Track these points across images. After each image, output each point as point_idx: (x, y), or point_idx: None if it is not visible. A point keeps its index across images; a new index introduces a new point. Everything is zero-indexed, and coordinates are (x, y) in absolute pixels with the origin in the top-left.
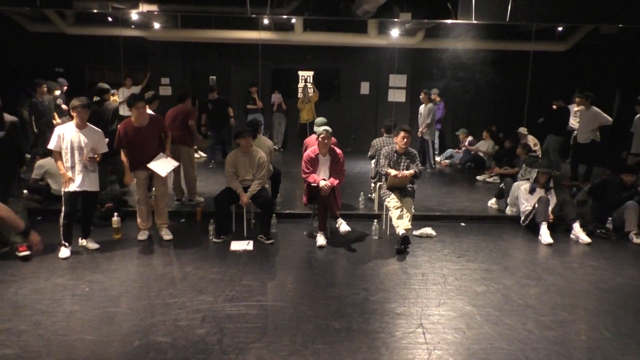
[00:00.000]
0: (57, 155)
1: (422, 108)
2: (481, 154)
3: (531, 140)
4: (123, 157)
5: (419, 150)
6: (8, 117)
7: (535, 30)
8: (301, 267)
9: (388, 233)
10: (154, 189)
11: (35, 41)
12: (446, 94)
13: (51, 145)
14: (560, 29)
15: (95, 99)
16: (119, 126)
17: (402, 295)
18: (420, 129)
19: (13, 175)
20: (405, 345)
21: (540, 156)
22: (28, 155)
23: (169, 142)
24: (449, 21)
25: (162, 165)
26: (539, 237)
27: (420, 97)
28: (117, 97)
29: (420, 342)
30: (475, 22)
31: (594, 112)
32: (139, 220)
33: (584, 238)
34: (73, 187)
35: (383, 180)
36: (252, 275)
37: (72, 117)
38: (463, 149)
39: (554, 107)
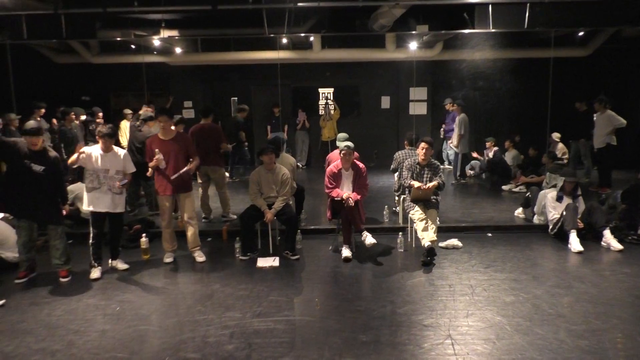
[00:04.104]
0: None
1: (455, 119)
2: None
3: (561, 149)
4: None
5: (453, 164)
6: (52, 153)
7: (554, 36)
8: (327, 281)
9: (413, 245)
10: (179, 211)
11: (63, 72)
12: (467, 104)
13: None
14: (580, 34)
15: (139, 123)
16: (147, 140)
17: (430, 307)
18: (455, 142)
19: (53, 205)
20: (434, 357)
21: (566, 164)
22: None
23: (196, 163)
24: (466, 31)
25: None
26: (569, 245)
27: (453, 108)
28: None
29: (449, 354)
30: (493, 30)
31: (608, 115)
32: (164, 243)
33: (616, 245)
34: (96, 206)
35: (407, 192)
36: (278, 291)
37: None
38: (486, 158)
39: (578, 108)
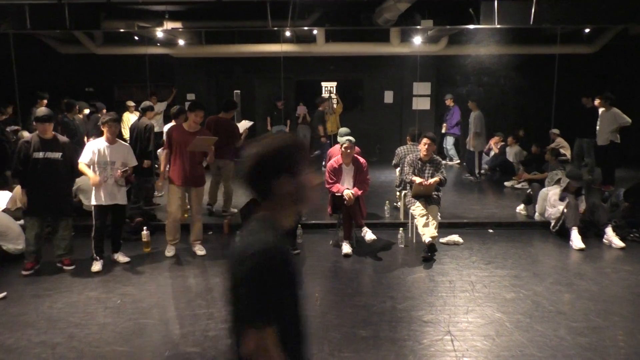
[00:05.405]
0: (84, 166)
1: (471, 116)
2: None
3: (558, 142)
4: (162, 159)
5: (467, 162)
6: (62, 139)
7: (560, 33)
8: (327, 276)
9: (414, 241)
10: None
11: (67, 62)
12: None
13: (85, 160)
14: (587, 31)
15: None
16: (168, 129)
17: (429, 302)
18: (468, 139)
19: (67, 196)
20: (433, 353)
21: (569, 160)
22: None
23: (212, 155)
24: (471, 26)
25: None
26: (570, 242)
27: (469, 104)
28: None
29: (448, 350)
30: (498, 26)
31: (613, 112)
32: (168, 236)
33: (617, 242)
34: (103, 201)
35: (408, 188)
36: None
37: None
38: (492, 153)
39: (585, 104)
